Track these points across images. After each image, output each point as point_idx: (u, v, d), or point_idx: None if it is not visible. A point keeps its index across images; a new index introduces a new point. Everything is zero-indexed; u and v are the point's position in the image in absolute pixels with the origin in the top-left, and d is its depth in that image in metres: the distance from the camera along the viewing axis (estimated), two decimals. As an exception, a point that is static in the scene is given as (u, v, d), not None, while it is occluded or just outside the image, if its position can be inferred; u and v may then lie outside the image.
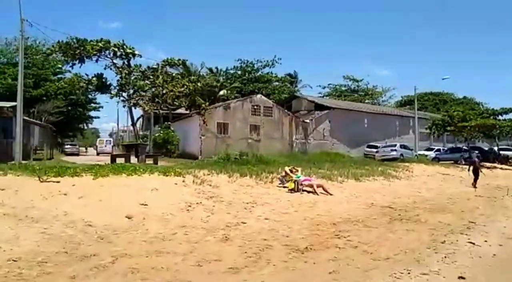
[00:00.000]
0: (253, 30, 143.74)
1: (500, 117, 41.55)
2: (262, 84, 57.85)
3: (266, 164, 18.80)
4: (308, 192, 13.69)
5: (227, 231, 8.04)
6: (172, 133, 31.85)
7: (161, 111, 45.49)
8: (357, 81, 73.68)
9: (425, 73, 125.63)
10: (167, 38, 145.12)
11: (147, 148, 22.28)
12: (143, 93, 19.38)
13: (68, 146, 48.43)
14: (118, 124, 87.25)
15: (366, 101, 67.79)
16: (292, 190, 13.49)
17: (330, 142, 39.55)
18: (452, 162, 34.81)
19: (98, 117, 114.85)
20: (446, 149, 41.91)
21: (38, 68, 42.24)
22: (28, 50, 39.59)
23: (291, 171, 14.45)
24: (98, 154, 44.66)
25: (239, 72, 60.55)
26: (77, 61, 19.03)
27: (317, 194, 13.35)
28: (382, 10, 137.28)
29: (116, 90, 19.21)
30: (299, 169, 15.11)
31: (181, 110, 42.59)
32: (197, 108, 21.05)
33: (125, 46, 19.10)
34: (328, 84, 74.45)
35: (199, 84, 21.23)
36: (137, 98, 18.81)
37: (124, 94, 19.29)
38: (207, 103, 28.76)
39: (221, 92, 51.15)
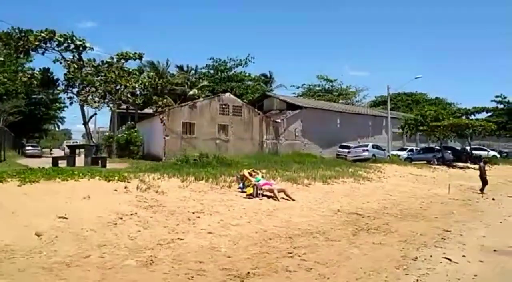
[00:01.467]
0: (228, 30, 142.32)
1: (472, 116, 41.30)
2: (235, 84, 56.46)
3: (228, 165, 17.38)
4: (269, 197, 12.36)
5: (155, 251, 6.58)
6: (135, 133, 30.09)
7: (129, 111, 43.99)
8: (331, 81, 73.00)
9: (399, 74, 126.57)
10: (142, 39, 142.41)
11: (93, 149, 20.54)
12: (93, 89, 17.68)
13: (29, 148, 45.81)
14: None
15: (340, 101, 67.13)
16: (250, 196, 12.12)
17: (302, 142, 38.34)
18: (425, 162, 34.12)
19: (63, 118, 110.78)
20: (419, 149, 41.30)
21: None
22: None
23: (250, 174, 13.06)
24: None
25: (212, 71, 58.98)
26: (22, 54, 17.26)
27: (278, 200, 12.01)
28: (358, 8, 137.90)
29: (63, 86, 17.51)
30: (259, 172, 13.77)
31: (149, 110, 40.88)
32: (155, 107, 19.39)
33: (74, 38, 17.40)
34: (302, 84, 73.62)
35: (158, 80, 19.60)
36: (86, 95, 17.09)
37: (74, 90, 17.56)
38: (178, 102, 27.10)
39: (191, 92, 49.41)
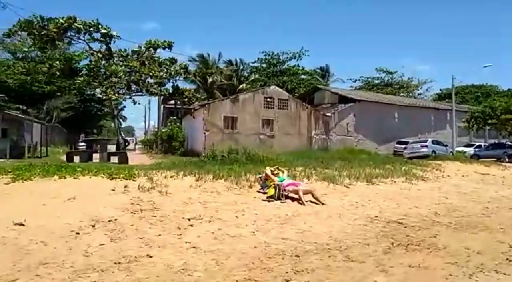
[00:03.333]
0: (281, 22, 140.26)
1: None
2: (288, 78, 54.53)
3: (259, 163, 15.65)
4: (294, 200, 10.50)
5: (105, 275, 5.00)
6: (177, 129, 29.20)
7: (176, 106, 43.47)
8: (391, 73, 69.14)
9: (466, 66, 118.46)
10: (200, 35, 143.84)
11: (112, 143, 19.55)
12: (115, 80, 16.62)
13: (82, 143, 46.70)
14: (145, 122, 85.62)
15: (401, 95, 63.24)
16: (271, 198, 10.32)
17: (355, 138, 35.88)
18: (495, 159, 30.53)
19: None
20: (487, 144, 37.30)
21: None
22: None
23: (272, 173, 11.23)
24: None
25: (264, 65, 57.39)
26: (48, 44, 16.53)
27: (303, 204, 10.12)
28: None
29: (84, 76, 16.60)
30: (285, 170, 11.90)
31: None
32: (182, 98, 18.05)
33: (100, 26, 16.40)
34: (360, 77, 70.31)
35: (198, 73, 18.20)
36: (107, 85, 16.06)
37: (96, 81, 16.62)
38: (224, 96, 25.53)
39: (240, 86, 48.29)
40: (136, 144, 64.06)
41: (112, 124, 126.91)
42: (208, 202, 9.32)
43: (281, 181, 10.74)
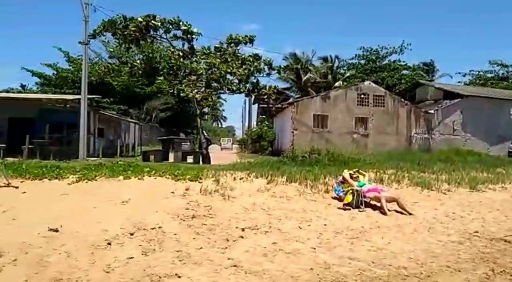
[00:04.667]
0: (384, 19, 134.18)
1: None
2: (387, 74, 51.42)
3: (344, 164, 14.27)
4: (376, 208, 9.09)
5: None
6: (266, 128, 28.61)
7: (269, 105, 43.12)
8: (506, 66, 61.88)
9: None
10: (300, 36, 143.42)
11: (187, 143, 19.26)
12: (194, 78, 16.30)
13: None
14: (243, 121, 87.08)
15: (519, 90, 56.43)
16: (348, 205, 9.02)
17: (462, 137, 32.26)
18: None
19: (215, 114, 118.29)
20: None
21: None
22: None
23: (351, 176, 9.87)
24: (221, 149, 50.15)
25: (362, 61, 54.79)
26: (132, 43, 16.80)
27: (385, 213, 8.67)
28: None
29: (163, 74, 16.54)
30: (366, 174, 10.42)
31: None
32: (258, 94, 17.19)
33: (180, 23, 16.26)
34: (470, 71, 63.97)
35: (266, 67, 17.39)
36: (185, 84, 15.80)
37: (177, 80, 16.49)
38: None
39: (337, 84, 46.51)
40: (233, 143, 66.09)
41: (214, 124, 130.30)
42: (272, 209, 8.33)
43: (361, 186, 9.37)
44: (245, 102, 68.59)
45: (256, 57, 18.24)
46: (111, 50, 27.37)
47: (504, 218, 9.31)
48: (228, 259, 5.52)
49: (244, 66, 16.44)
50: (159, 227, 6.61)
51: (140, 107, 42.37)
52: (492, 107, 33.17)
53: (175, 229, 6.61)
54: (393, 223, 8.08)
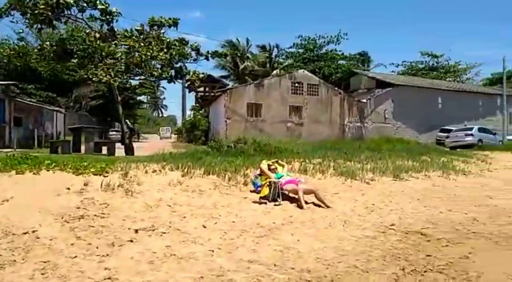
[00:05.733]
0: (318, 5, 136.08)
1: None
2: (324, 63, 51.80)
3: (270, 154, 13.74)
4: (294, 201, 8.58)
5: None
6: (199, 117, 27.69)
7: (206, 92, 42.05)
8: (436, 57, 64.55)
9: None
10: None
11: (120, 133, 18.07)
12: (111, 61, 15.07)
13: (113, 133, 46.24)
14: (183, 110, 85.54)
15: (448, 79, 58.95)
16: (264, 199, 8.44)
17: (393, 126, 33.14)
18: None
19: (155, 103, 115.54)
20: (544, 132, 33.57)
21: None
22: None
23: (269, 168, 9.29)
24: (161, 139, 51.58)
25: (300, 50, 54.80)
26: (44, 24, 15.21)
27: (302, 207, 8.16)
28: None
29: (78, 58, 15.17)
30: (285, 165, 9.92)
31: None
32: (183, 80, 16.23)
33: (97, 2, 14.90)
34: (403, 62, 66.23)
35: (193, 52, 16.44)
36: (101, 68, 14.55)
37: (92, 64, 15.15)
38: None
39: (274, 72, 46.25)
40: (172, 133, 65.20)
41: (155, 113, 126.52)
42: (179, 205, 7.56)
43: (279, 178, 8.82)
44: (183, 90, 67.12)
45: (183, 41, 17.23)
46: (21, 31, 25.33)
47: (423, 208, 9.12)
48: (105, 269, 4.68)
49: (166, 50, 15.38)
50: (33, 231, 5.63)
51: (68, 95, 39.83)
52: (422, 96, 34.29)
53: (53, 233, 5.66)
54: (308, 218, 7.57)
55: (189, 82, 16.69)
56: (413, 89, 34.97)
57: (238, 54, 45.89)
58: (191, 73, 16.30)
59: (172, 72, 16.08)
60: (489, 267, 5.54)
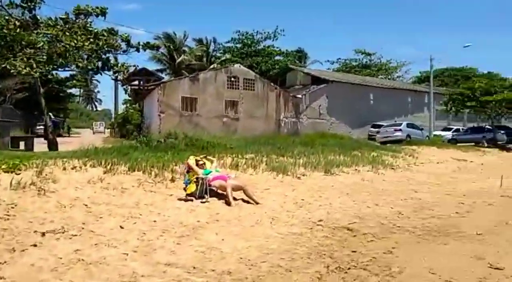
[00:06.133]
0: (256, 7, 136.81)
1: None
2: (262, 58, 51.88)
3: (203, 149, 13.36)
4: (222, 198, 8.27)
5: None
6: (132, 111, 26.64)
7: (140, 86, 40.61)
8: (369, 55, 66.86)
9: (448, 48, 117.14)
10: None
11: (10, 127, 17.00)
12: (31, 51, 13.98)
13: (41, 127, 43.55)
14: (115, 104, 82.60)
15: (380, 77, 61.22)
16: (191, 196, 8.07)
17: (328, 121, 33.74)
18: (473, 143, 28.90)
19: (89, 96, 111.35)
20: (465, 128, 35.67)
21: None
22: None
23: (197, 163, 8.92)
24: (94, 133, 48.99)
25: (238, 45, 54.51)
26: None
27: (230, 204, 7.88)
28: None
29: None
30: (214, 160, 9.61)
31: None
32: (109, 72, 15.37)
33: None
34: (338, 59, 67.97)
35: (123, 43, 15.65)
36: (20, 58, 13.44)
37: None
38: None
39: (212, 66, 45.62)
40: (105, 127, 62.83)
41: (89, 107, 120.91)
42: (97, 204, 7.01)
43: (207, 174, 8.47)
44: (115, 83, 64.70)
45: (112, 32, 16.34)
46: None
47: (352, 203, 9.17)
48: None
49: (93, 41, 14.47)
50: None
51: (-10, 88, 36.82)
52: (355, 93, 35.21)
53: None
54: (235, 215, 7.31)
55: (116, 74, 15.87)
56: (347, 85, 35.84)
57: (175, 48, 44.75)
58: (119, 65, 15.51)
59: (99, 63, 15.18)
60: (411, 262, 5.55)
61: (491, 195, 11.48)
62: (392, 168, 14.82)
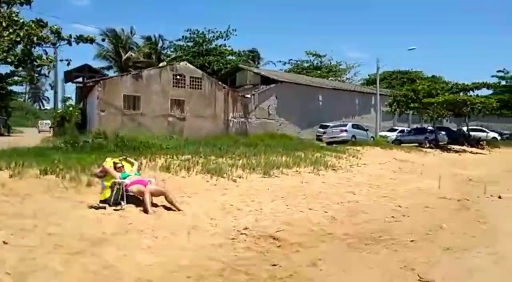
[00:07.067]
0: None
1: (471, 93, 36.48)
2: (214, 58, 51.00)
3: (134, 150, 12.49)
4: (141, 204, 7.50)
5: None
6: (71, 109, 25.15)
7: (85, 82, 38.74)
8: (320, 56, 67.57)
9: (395, 52, 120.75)
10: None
11: None
12: None
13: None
14: (55, 102, 79.07)
15: (330, 79, 61.90)
16: (104, 202, 7.27)
17: (277, 121, 33.45)
18: (416, 144, 29.45)
19: (36, 94, 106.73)
20: (409, 129, 36.46)
21: None
22: None
23: (115, 166, 8.09)
24: (39, 132, 45.86)
25: (190, 43, 53.34)
26: None
27: (147, 211, 7.12)
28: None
29: None
30: (135, 162, 8.80)
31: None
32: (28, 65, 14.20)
33: None
34: (289, 60, 68.31)
35: (53, 36, 14.46)
36: None
37: None
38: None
39: (161, 64, 44.30)
40: (51, 126, 60.05)
41: (36, 105, 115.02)
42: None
43: (124, 178, 7.67)
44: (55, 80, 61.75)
45: (41, 23, 15.07)
46: None
47: (284, 207, 8.64)
48: None
49: (12, 31, 13.22)
50: None
51: None
52: (304, 93, 35.16)
53: None
54: (151, 224, 6.57)
55: (40, 68, 14.64)
56: (296, 86, 35.73)
57: (121, 44, 43.13)
58: (42, 58, 14.29)
59: (20, 56, 13.92)
60: (334, 276, 5.07)
61: (429, 196, 11.37)
62: (334, 169, 14.47)
